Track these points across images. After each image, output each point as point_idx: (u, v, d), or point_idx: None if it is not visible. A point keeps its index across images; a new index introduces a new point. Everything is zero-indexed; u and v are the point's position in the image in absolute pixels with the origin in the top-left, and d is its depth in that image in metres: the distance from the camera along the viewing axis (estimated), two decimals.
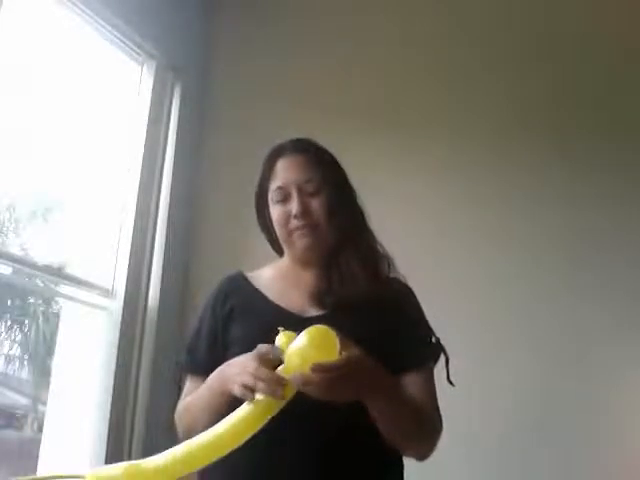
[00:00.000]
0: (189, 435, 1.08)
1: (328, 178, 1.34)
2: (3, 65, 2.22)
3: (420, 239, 2.53)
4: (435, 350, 1.30)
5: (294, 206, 1.30)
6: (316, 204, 1.31)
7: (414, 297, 1.35)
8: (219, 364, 1.25)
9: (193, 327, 1.38)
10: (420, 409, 1.21)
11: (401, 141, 2.69)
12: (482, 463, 2.33)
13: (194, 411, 1.25)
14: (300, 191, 1.31)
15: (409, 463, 1.27)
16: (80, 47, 2.61)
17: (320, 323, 1.24)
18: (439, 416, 1.25)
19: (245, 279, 1.39)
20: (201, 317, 1.37)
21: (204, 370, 1.28)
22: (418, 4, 2.84)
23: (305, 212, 1.30)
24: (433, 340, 1.31)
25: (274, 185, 1.35)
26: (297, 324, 1.25)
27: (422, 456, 1.24)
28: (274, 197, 1.34)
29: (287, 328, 1.17)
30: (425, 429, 1.22)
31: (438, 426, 1.24)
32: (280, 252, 1.41)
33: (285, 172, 1.34)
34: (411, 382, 1.24)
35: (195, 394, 1.27)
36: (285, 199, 1.32)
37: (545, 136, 2.55)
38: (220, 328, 1.32)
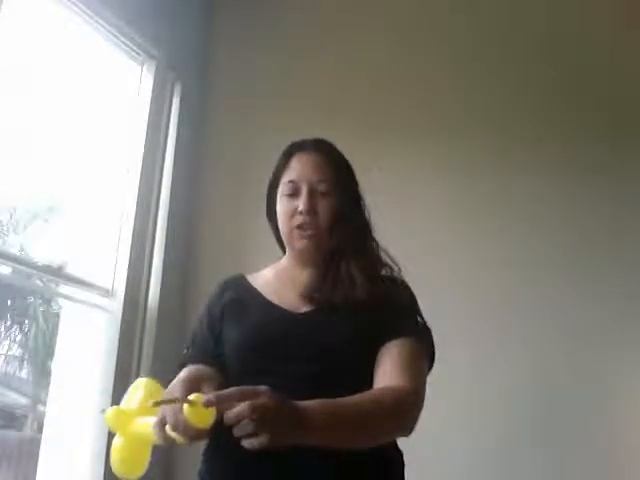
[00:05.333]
0: None
1: (341, 183, 1.34)
2: (3, 65, 2.22)
3: (420, 239, 2.53)
4: (420, 328, 1.28)
5: (301, 202, 1.30)
6: (324, 205, 1.31)
7: (407, 288, 1.35)
8: (216, 355, 1.29)
9: (196, 322, 1.42)
10: (375, 398, 1.14)
11: (401, 141, 2.69)
12: (480, 461, 2.33)
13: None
14: (310, 189, 1.32)
15: (409, 462, 1.27)
16: (80, 47, 2.61)
17: (309, 319, 1.26)
18: (416, 388, 1.18)
19: (243, 278, 1.41)
20: (201, 313, 1.40)
21: (200, 360, 1.30)
22: (419, 4, 2.84)
23: (311, 210, 1.30)
24: (419, 320, 1.30)
25: (286, 178, 1.35)
26: (288, 320, 1.27)
27: (405, 434, 1.18)
28: (283, 190, 1.34)
29: (278, 324, 1.25)
30: (391, 414, 1.14)
31: (411, 400, 1.17)
32: (284, 247, 1.41)
33: (299, 168, 1.34)
34: (387, 352, 1.22)
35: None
36: (294, 194, 1.32)
37: (545, 136, 2.55)
38: (216, 322, 1.34)
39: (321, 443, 1.04)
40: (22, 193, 2.77)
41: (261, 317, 1.30)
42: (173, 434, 1.03)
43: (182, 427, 1.00)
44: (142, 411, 1.16)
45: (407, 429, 1.17)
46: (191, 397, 0.97)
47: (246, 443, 0.94)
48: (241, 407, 0.94)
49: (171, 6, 2.88)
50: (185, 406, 0.97)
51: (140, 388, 1.21)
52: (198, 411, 0.96)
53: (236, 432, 0.94)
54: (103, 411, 1.18)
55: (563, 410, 2.31)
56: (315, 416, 1.02)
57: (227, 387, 1.01)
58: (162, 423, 1.04)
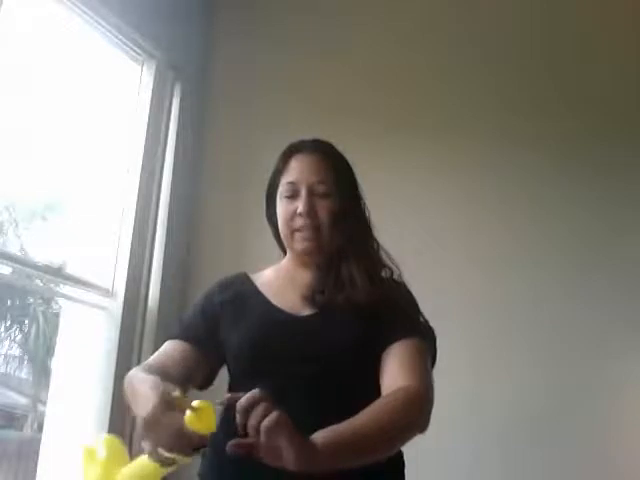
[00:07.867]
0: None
1: (340, 183, 1.34)
2: (3, 65, 2.22)
3: (419, 239, 2.53)
4: (422, 328, 1.28)
5: (301, 204, 1.30)
6: (323, 206, 1.31)
7: (407, 289, 1.35)
8: (202, 339, 1.30)
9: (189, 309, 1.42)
10: (382, 411, 1.10)
11: (401, 141, 2.69)
12: (480, 461, 2.34)
13: (131, 398, 1.14)
14: (310, 190, 1.31)
15: (409, 462, 1.27)
16: (80, 47, 2.61)
17: (311, 322, 1.26)
18: (424, 387, 1.17)
19: (246, 277, 1.41)
20: (196, 301, 1.40)
21: (185, 336, 1.31)
22: (419, 4, 2.84)
23: (311, 212, 1.30)
24: (421, 320, 1.30)
25: (285, 180, 1.34)
26: (289, 323, 1.27)
27: (422, 431, 1.17)
28: (283, 192, 1.34)
29: (279, 327, 1.24)
30: (403, 421, 1.12)
31: (422, 396, 1.16)
32: (283, 248, 1.41)
33: (298, 169, 1.34)
34: (392, 352, 1.21)
35: (140, 382, 1.11)
36: (293, 196, 1.32)
37: (545, 137, 2.55)
38: (215, 313, 1.34)
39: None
40: (22, 193, 2.77)
41: (262, 319, 1.30)
42: (173, 454, 0.94)
43: (186, 440, 0.93)
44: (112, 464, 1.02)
45: (422, 426, 1.16)
46: (194, 404, 0.93)
47: (262, 426, 0.91)
48: (251, 393, 0.94)
49: (171, 6, 2.88)
50: (189, 416, 0.92)
51: (100, 449, 1.05)
52: (202, 417, 0.93)
53: (251, 420, 0.92)
54: None
55: (563, 410, 2.31)
56: (320, 448, 0.97)
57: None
58: (156, 449, 0.95)
